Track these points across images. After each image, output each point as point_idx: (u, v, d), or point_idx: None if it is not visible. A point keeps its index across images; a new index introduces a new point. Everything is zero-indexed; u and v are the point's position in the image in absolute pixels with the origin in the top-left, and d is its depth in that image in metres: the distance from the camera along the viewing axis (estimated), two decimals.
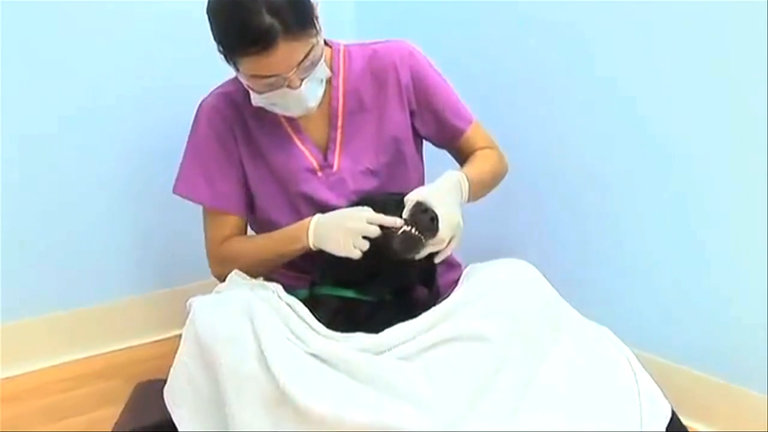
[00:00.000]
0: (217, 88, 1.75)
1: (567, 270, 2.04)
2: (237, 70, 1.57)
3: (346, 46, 1.77)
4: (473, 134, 1.79)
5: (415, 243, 1.49)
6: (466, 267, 1.61)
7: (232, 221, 1.75)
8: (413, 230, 1.48)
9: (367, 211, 1.53)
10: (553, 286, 1.56)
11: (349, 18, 2.50)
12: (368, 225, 1.52)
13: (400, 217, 1.51)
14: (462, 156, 1.79)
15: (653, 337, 1.96)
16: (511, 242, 2.24)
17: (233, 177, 1.72)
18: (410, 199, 1.52)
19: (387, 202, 1.57)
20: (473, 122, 1.79)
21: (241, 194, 1.73)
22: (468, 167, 1.69)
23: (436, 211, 1.49)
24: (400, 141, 1.75)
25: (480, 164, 1.72)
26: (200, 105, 1.76)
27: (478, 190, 1.67)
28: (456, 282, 1.58)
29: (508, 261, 1.58)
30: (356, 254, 1.51)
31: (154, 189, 2.25)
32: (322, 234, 1.58)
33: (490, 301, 1.47)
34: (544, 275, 1.57)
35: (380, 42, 1.77)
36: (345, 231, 1.52)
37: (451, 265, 1.78)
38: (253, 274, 1.68)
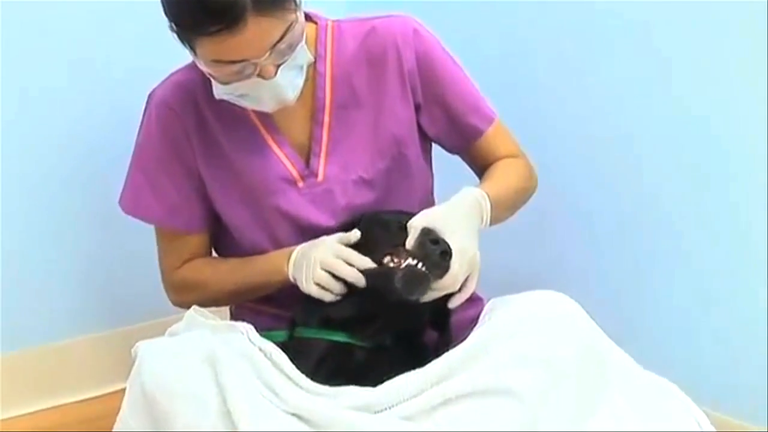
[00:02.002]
0: (170, 75, 1.62)
1: (617, 306, 1.97)
2: (194, 54, 1.43)
3: (335, 21, 1.62)
4: (494, 136, 1.65)
5: (421, 282, 1.38)
6: (488, 301, 1.50)
7: (192, 243, 1.65)
8: (419, 265, 1.37)
9: (336, 241, 1.46)
10: (598, 324, 1.44)
11: None
12: (335, 259, 1.44)
13: (403, 245, 1.39)
14: (480, 164, 1.65)
15: (727, 395, 1.84)
16: (546, 270, 2.11)
17: (190, 189, 1.61)
18: (415, 226, 1.41)
19: (390, 223, 1.47)
20: (495, 121, 1.64)
21: (201, 209, 1.62)
22: (489, 182, 1.57)
23: (449, 243, 1.38)
24: (402, 142, 1.60)
25: (503, 178, 1.60)
26: (150, 96, 1.62)
27: (501, 212, 1.55)
28: (475, 320, 1.47)
29: (541, 293, 1.46)
30: (314, 292, 1.45)
31: (95, 205, 2.07)
32: (298, 264, 1.50)
33: (518, 344, 1.36)
34: (588, 312, 1.45)
35: (379, 17, 1.62)
36: (307, 262, 1.46)
37: (470, 298, 1.60)
38: (220, 304, 1.64)
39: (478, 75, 1.69)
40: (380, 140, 1.60)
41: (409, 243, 1.40)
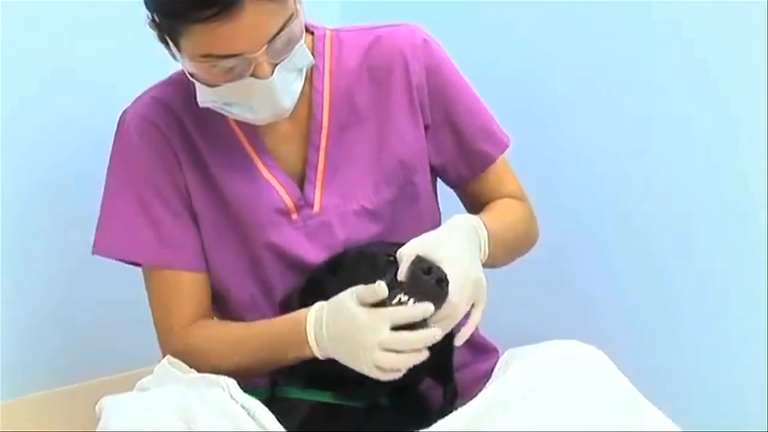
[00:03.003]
0: (144, 93, 1.52)
1: (651, 359, 1.86)
2: (179, 50, 1.34)
3: (334, 31, 1.53)
4: (503, 170, 1.57)
5: (414, 323, 1.28)
6: (503, 353, 1.42)
7: (193, 282, 1.50)
8: (412, 301, 1.28)
9: (379, 316, 1.28)
10: (630, 380, 1.35)
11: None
12: (394, 335, 1.26)
13: (395, 280, 1.30)
14: (480, 201, 1.56)
15: None
16: (565, 316, 1.99)
17: (185, 214, 1.49)
18: (405, 254, 1.32)
19: (377, 257, 1.37)
20: (507, 148, 1.57)
21: (199, 240, 1.49)
22: (486, 214, 1.48)
23: (444, 269, 1.30)
24: (410, 168, 1.51)
25: (503, 215, 1.50)
26: (122, 117, 1.51)
27: (498, 252, 1.44)
28: (489, 374, 1.40)
29: (563, 343, 1.38)
30: (382, 376, 1.29)
31: (54, 247, 1.88)
32: (331, 349, 1.34)
33: (539, 402, 1.27)
34: (619, 366, 1.36)
35: (383, 26, 1.54)
36: (356, 347, 1.29)
37: (482, 349, 1.59)
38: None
39: (488, 95, 1.61)
40: (385, 166, 1.52)
41: (401, 275, 1.31)
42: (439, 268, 1.29)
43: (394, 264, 1.33)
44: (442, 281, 1.28)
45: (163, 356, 1.48)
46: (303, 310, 1.37)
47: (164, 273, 1.49)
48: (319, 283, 1.41)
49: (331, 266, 1.43)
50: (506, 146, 1.56)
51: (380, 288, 1.27)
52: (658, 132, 1.83)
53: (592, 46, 1.90)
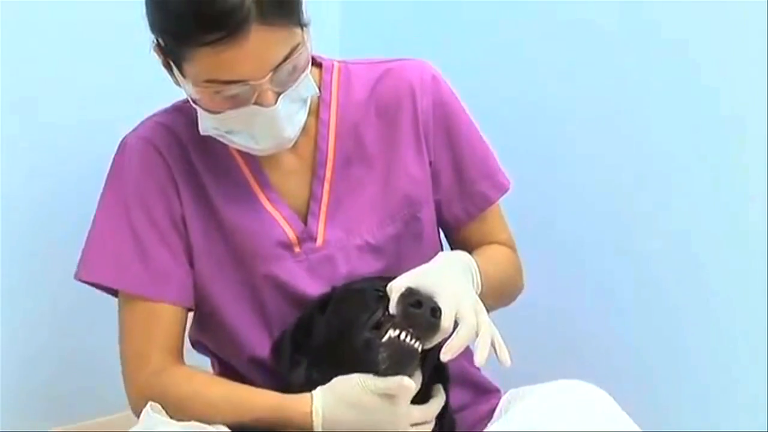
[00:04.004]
0: (147, 119, 1.48)
1: (655, 399, 1.83)
2: (182, 75, 1.32)
3: (342, 63, 1.51)
4: (496, 216, 1.54)
5: (409, 355, 1.25)
6: (505, 393, 1.43)
7: (174, 317, 1.43)
8: (404, 336, 1.24)
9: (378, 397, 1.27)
10: (630, 414, 1.34)
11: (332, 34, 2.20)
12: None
13: (386, 314, 1.27)
14: (468, 245, 1.52)
15: None
16: (571, 359, 1.95)
17: (178, 246, 1.43)
18: (395, 287, 1.28)
19: (366, 293, 1.33)
20: (506, 192, 1.54)
21: (188, 274, 1.43)
22: (478, 256, 1.44)
23: (436, 300, 1.26)
24: (415, 203, 1.48)
25: (494, 259, 1.47)
26: (122, 142, 1.46)
27: (488, 295, 1.39)
28: (491, 415, 1.41)
29: (565, 383, 1.37)
30: None
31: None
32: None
33: None
34: (626, 410, 1.34)
35: (393, 60, 1.51)
36: None
37: (483, 389, 1.55)
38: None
39: (491, 134, 1.58)
40: (390, 201, 1.48)
41: (392, 308, 1.28)
42: (429, 298, 1.25)
43: (384, 299, 1.30)
44: (435, 310, 1.24)
45: (129, 391, 1.42)
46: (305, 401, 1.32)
47: (146, 305, 1.43)
48: (308, 324, 1.38)
49: (320, 305, 1.39)
50: (506, 189, 1.54)
51: (401, 386, 1.25)
52: (660, 169, 1.82)
53: (599, 86, 1.88)
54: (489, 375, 1.53)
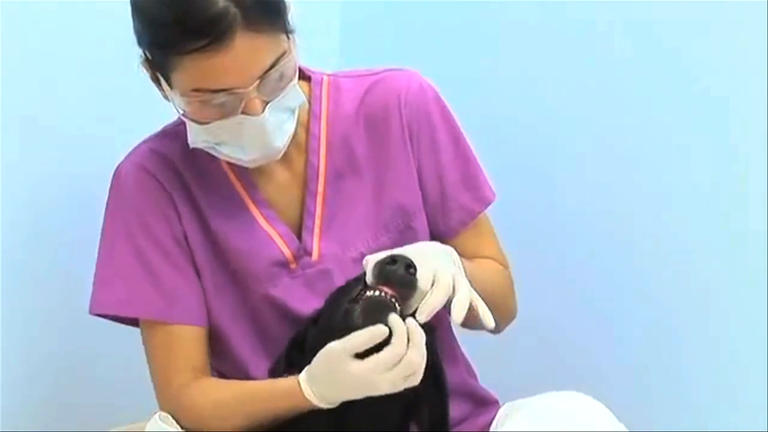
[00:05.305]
0: (138, 146, 1.49)
1: (651, 411, 1.81)
2: (170, 86, 1.32)
3: (332, 76, 1.50)
4: (482, 231, 1.51)
5: (383, 305, 1.24)
6: (502, 405, 1.44)
7: (194, 337, 1.44)
8: (379, 293, 1.25)
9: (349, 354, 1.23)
10: (627, 425, 1.35)
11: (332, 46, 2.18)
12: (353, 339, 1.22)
13: (364, 285, 1.28)
14: None
15: None
16: (568, 371, 1.92)
17: (187, 267, 1.43)
18: (370, 259, 1.30)
19: (347, 284, 1.34)
20: (490, 204, 1.50)
21: (200, 291, 1.44)
22: (462, 261, 1.41)
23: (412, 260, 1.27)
24: (409, 213, 1.46)
25: (480, 266, 1.45)
26: (117, 171, 1.46)
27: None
28: (488, 426, 1.41)
29: (562, 395, 1.37)
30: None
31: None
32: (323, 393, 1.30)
33: None
34: (623, 414, 1.34)
35: (381, 71, 1.51)
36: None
37: (481, 401, 1.54)
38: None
39: (487, 148, 1.56)
40: (384, 211, 1.47)
41: (369, 276, 1.29)
42: (405, 257, 1.26)
43: (363, 280, 1.30)
44: (410, 266, 1.25)
45: (161, 410, 1.44)
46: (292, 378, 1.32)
47: (166, 327, 1.44)
48: (302, 341, 1.39)
49: (314, 320, 1.39)
50: (489, 202, 1.50)
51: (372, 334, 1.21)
52: (659, 185, 1.80)
53: (601, 102, 1.87)
54: (488, 387, 1.53)
